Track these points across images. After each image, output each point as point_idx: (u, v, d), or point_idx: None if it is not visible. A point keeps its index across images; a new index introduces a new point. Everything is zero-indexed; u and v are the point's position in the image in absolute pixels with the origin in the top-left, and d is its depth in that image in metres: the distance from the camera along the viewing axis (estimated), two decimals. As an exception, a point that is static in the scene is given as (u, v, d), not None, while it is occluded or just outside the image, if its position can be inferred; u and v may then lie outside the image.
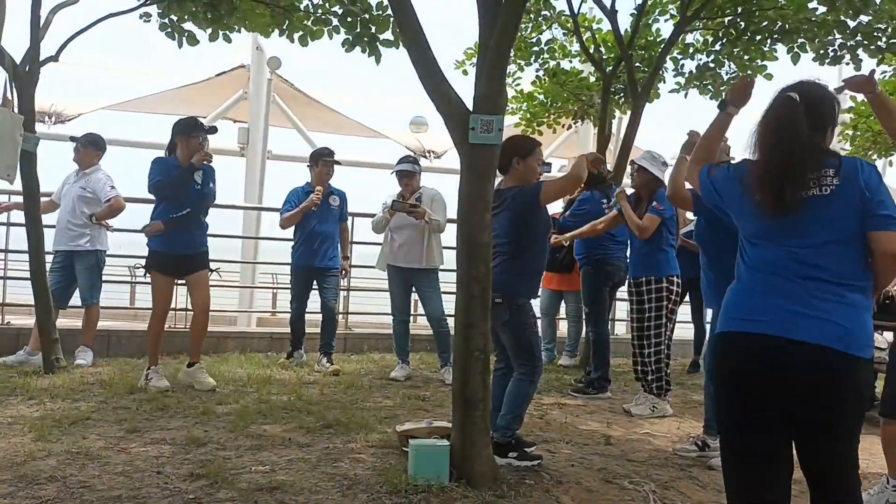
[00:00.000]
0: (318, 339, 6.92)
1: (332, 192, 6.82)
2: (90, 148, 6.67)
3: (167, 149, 5.84)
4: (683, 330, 8.40)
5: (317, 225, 6.71)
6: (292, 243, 6.91)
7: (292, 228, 6.87)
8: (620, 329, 10.15)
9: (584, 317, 6.90)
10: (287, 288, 7.41)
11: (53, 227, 6.62)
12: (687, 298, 7.94)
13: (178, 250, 5.69)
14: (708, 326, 7.73)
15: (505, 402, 4.16)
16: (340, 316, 8.37)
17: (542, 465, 4.04)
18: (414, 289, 6.64)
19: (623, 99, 8.73)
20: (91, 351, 6.52)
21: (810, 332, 2.28)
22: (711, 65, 8.22)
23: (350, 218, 7.85)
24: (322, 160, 6.80)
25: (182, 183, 5.59)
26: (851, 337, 2.29)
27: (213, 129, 5.97)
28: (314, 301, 6.98)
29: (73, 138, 6.77)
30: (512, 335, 4.19)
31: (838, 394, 2.30)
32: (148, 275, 5.76)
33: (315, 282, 6.85)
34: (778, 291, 2.36)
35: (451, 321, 4.94)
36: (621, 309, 9.69)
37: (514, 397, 4.16)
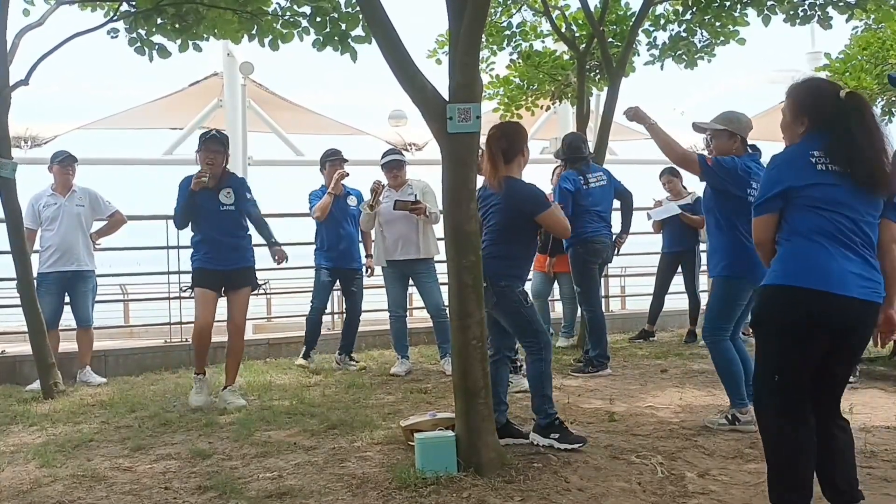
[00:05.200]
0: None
1: (348, 192, 6.85)
2: (75, 164, 6.63)
3: None
4: (678, 301, 8.45)
5: (339, 227, 6.74)
6: (314, 246, 6.94)
7: (314, 233, 6.92)
8: (615, 306, 10.21)
9: (576, 297, 6.89)
10: (281, 292, 7.40)
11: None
12: (679, 269, 7.99)
13: (221, 265, 5.46)
14: (704, 294, 7.80)
15: (530, 387, 4.24)
16: (337, 315, 8.39)
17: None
18: (412, 281, 6.64)
19: (599, 76, 8.74)
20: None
21: (869, 292, 2.79)
22: (684, 34, 8.23)
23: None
24: (328, 161, 6.88)
25: (189, 206, 5.44)
26: (882, 290, 2.86)
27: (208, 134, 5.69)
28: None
29: (65, 159, 6.60)
30: (506, 317, 4.24)
31: (871, 331, 2.95)
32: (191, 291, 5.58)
33: (340, 283, 6.93)
34: (847, 256, 2.79)
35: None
36: (614, 286, 9.74)
37: (533, 379, 4.20)
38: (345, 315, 7.07)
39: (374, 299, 7.63)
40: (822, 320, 2.78)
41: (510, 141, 4.21)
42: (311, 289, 6.97)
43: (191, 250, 5.67)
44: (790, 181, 2.85)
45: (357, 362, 6.86)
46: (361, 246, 7.04)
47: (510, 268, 4.20)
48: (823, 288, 2.75)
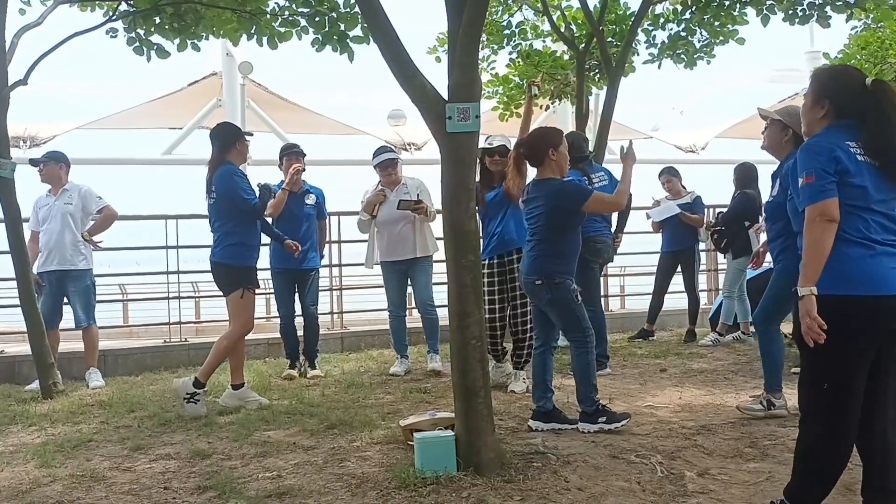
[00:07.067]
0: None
1: (308, 190, 6.57)
2: (52, 164, 6.55)
3: (218, 158, 5.33)
4: (678, 300, 8.45)
5: (296, 226, 6.41)
6: (269, 246, 6.58)
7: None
8: (614, 305, 10.20)
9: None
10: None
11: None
12: (679, 269, 7.99)
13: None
14: (704, 294, 7.77)
15: (577, 378, 4.50)
16: (336, 315, 8.38)
17: (559, 446, 4.06)
18: (409, 279, 6.61)
19: (598, 75, 8.73)
20: (98, 371, 6.49)
21: None
22: (683, 34, 8.23)
23: (336, 217, 7.83)
24: (284, 155, 6.58)
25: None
26: None
27: (249, 133, 5.97)
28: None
29: (33, 161, 6.62)
30: (557, 312, 4.49)
31: None
32: (245, 292, 5.31)
33: (296, 285, 6.58)
34: (890, 254, 2.71)
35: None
36: (613, 285, 9.71)
37: (580, 371, 4.48)
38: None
39: (375, 299, 7.62)
40: (877, 326, 2.70)
41: (529, 146, 4.49)
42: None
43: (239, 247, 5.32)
44: (843, 164, 2.70)
45: (315, 369, 6.57)
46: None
47: (562, 264, 4.45)
48: (874, 292, 2.66)
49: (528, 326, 5.65)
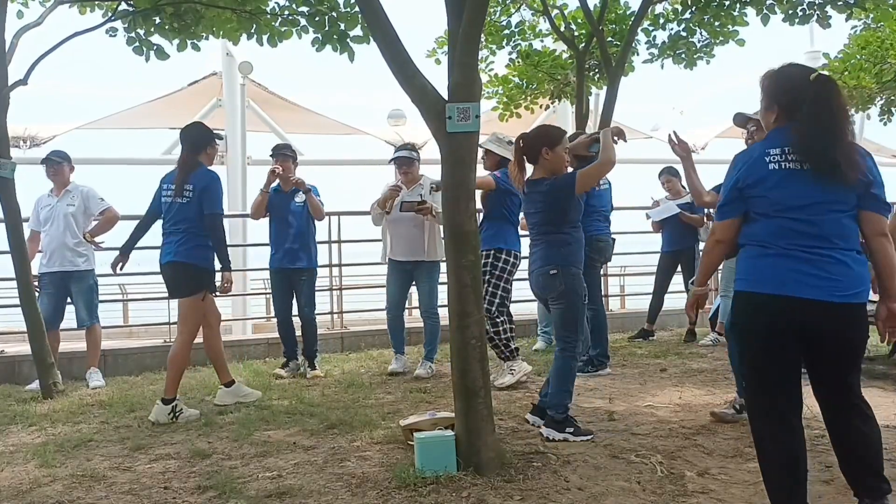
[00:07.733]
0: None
1: (298, 189, 6.52)
2: (66, 164, 6.56)
3: (191, 159, 5.26)
4: (677, 300, 8.45)
5: (285, 225, 6.47)
6: (268, 246, 6.69)
7: (267, 233, 6.71)
8: (614, 305, 10.20)
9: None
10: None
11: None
12: (678, 269, 7.99)
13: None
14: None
15: (553, 381, 4.37)
16: (336, 315, 8.37)
17: (552, 447, 4.06)
18: (414, 282, 6.55)
19: (598, 75, 8.74)
20: (99, 371, 6.49)
21: (829, 293, 2.67)
22: (683, 34, 8.23)
23: (336, 217, 7.82)
24: (272, 156, 6.58)
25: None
26: (857, 287, 2.71)
27: (219, 136, 5.93)
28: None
29: (46, 159, 6.60)
30: (565, 305, 4.35)
31: (844, 335, 2.76)
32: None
33: (292, 284, 6.58)
34: (801, 258, 2.71)
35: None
36: (613, 285, 9.68)
37: (562, 374, 4.35)
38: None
39: (375, 299, 7.60)
40: (778, 323, 2.74)
41: (527, 142, 4.46)
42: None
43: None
44: (744, 179, 2.80)
45: (315, 369, 6.54)
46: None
47: (574, 254, 4.41)
48: (774, 291, 2.72)
49: (501, 309, 5.71)
